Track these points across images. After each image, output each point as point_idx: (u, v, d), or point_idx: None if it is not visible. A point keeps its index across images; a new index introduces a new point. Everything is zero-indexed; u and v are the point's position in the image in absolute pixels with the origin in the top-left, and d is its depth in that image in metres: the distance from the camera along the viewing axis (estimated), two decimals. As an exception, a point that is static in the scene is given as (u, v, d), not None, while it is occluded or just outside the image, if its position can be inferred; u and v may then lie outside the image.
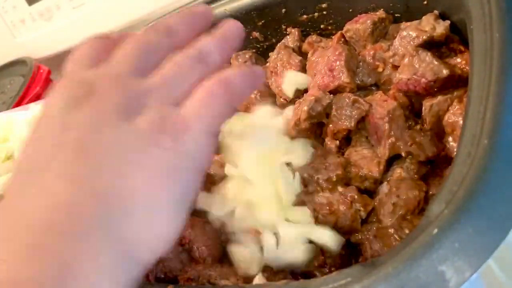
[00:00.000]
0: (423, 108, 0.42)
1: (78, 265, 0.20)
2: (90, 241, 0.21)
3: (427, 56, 0.41)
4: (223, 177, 0.43)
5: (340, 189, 0.42)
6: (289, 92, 0.49)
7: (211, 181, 0.45)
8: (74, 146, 0.23)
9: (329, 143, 0.46)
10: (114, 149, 0.23)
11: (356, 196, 0.41)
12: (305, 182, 0.44)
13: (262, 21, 0.56)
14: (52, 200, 0.21)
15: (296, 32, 0.55)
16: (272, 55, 0.54)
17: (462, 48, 0.43)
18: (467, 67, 0.41)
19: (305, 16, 0.54)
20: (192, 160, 0.25)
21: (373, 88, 0.48)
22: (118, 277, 0.22)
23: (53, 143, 0.23)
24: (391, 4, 0.49)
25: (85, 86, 0.25)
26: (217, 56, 0.29)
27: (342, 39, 0.50)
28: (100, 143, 0.23)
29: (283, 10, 0.55)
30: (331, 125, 0.45)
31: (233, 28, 0.30)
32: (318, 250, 0.41)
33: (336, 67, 0.46)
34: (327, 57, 0.47)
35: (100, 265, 0.21)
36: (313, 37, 0.54)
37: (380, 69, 0.47)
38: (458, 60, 0.42)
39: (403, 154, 0.41)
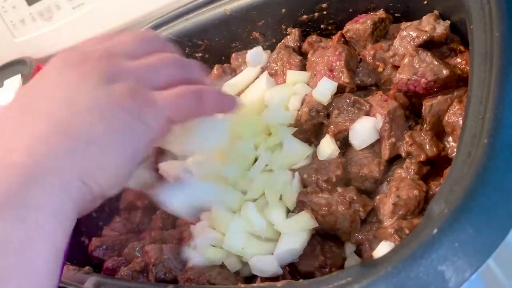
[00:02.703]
0: (423, 108, 0.42)
1: (44, 178, 0.27)
2: (58, 162, 0.28)
3: (427, 56, 0.41)
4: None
5: (339, 189, 0.42)
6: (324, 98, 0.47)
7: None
8: (59, 96, 0.30)
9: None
10: (89, 103, 0.29)
11: (355, 197, 0.41)
12: (304, 183, 0.44)
13: (262, 21, 0.56)
14: (34, 131, 0.29)
15: (296, 32, 0.55)
16: (272, 55, 0.55)
17: (462, 48, 0.43)
18: (467, 67, 0.41)
19: (305, 16, 0.54)
20: (147, 132, 0.31)
21: (373, 88, 0.48)
22: (72, 193, 0.28)
23: (42, 93, 0.30)
24: (391, 4, 0.49)
25: (80, 55, 0.32)
26: (198, 72, 0.36)
27: (342, 39, 0.50)
28: (80, 97, 0.30)
29: (283, 10, 0.55)
30: (331, 126, 0.45)
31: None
32: (318, 248, 0.41)
33: (336, 67, 0.46)
34: (327, 57, 0.47)
35: (60, 179, 0.28)
36: (313, 37, 0.54)
37: (380, 69, 0.47)
38: (458, 60, 0.42)
39: (403, 154, 0.41)
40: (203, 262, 0.43)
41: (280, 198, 0.44)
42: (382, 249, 0.37)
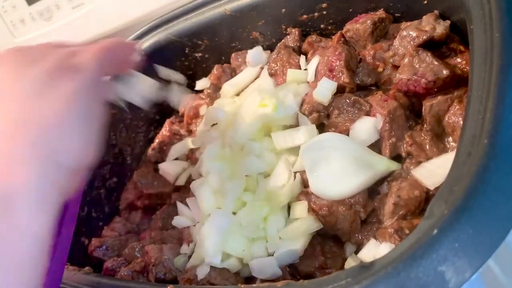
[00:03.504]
0: (423, 108, 0.41)
1: (20, 168, 0.29)
2: (28, 151, 0.29)
3: (427, 56, 0.41)
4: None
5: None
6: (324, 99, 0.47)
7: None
8: (6, 92, 0.32)
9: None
10: (31, 89, 0.32)
11: (356, 198, 0.41)
12: (305, 183, 0.44)
13: (262, 21, 0.56)
14: None
15: (296, 32, 0.55)
16: (272, 55, 0.54)
17: (462, 48, 0.43)
18: (467, 67, 0.40)
19: (305, 16, 0.54)
20: (90, 87, 0.33)
21: (373, 88, 0.48)
22: (49, 175, 0.30)
23: None
24: (391, 4, 0.48)
25: (29, 57, 0.35)
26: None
27: (342, 39, 0.50)
28: (22, 86, 0.32)
29: (283, 10, 0.54)
30: (332, 127, 0.45)
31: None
32: (318, 249, 0.41)
33: (336, 67, 0.46)
34: (327, 57, 0.47)
35: (35, 165, 0.29)
36: (313, 37, 0.54)
37: (380, 69, 0.47)
38: (458, 60, 0.42)
39: (403, 155, 0.41)
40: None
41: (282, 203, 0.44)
42: (382, 249, 0.37)
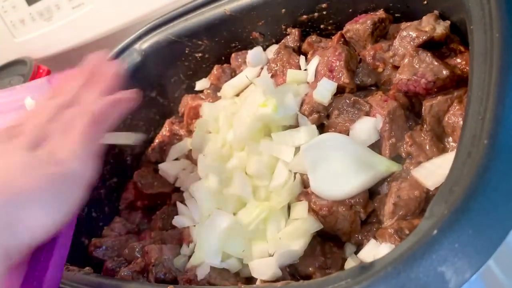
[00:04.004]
0: (423, 108, 0.41)
1: None
2: None
3: (427, 57, 0.41)
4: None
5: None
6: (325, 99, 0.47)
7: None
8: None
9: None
10: (15, 166, 0.34)
11: (356, 198, 0.41)
12: (305, 183, 0.44)
13: (262, 21, 0.56)
14: None
15: (296, 32, 0.55)
16: (272, 55, 0.54)
17: (462, 48, 0.43)
18: (467, 68, 0.40)
19: (305, 16, 0.54)
20: (71, 176, 0.34)
21: (373, 88, 0.48)
22: (7, 250, 0.29)
23: None
24: (391, 4, 0.48)
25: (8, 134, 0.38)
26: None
27: (342, 39, 0.50)
28: (11, 164, 0.34)
29: (283, 10, 0.54)
30: (332, 127, 0.45)
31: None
32: (318, 249, 0.41)
33: (336, 68, 0.46)
34: (327, 58, 0.47)
35: None
36: (313, 37, 0.54)
37: (380, 69, 0.47)
38: (458, 60, 0.42)
39: (403, 155, 0.41)
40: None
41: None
42: (382, 250, 0.37)
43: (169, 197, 0.57)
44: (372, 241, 0.39)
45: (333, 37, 0.51)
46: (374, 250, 0.38)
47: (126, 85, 0.45)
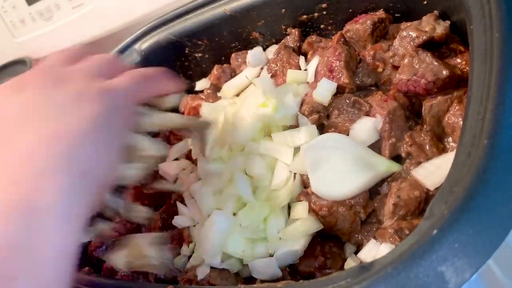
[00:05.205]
0: (423, 108, 0.41)
1: (49, 181, 0.28)
2: (59, 164, 0.29)
3: (427, 57, 0.41)
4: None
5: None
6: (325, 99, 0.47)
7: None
8: (44, 112, 0.32)
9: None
10: (57, 110, 0.32)
11: (356, 198, 0.41)
12: (305, 183, 0.44)
13: (262, 21, 0.56)
14: (22, 147, 0.30)
15: (296, 32, 0.55)
16: (272, 55, 0.54)
17: (462, 48, 0.43)
18: (467, 68, 0.40)
19: (305, 16, 0.54)
20: (116, 111, 0.34)
21: (373, 88, 0.48)
22: (77, 191, 0.30)
23: (26, 110, 0.32)
24: (391, 4, 0.48)
25: (55, 77, 0.35)
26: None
27: (342, 39, 0.50)
28: (48, 107, 0.32)
29: (283, 10, 0.54)
30: (332, 128, 0.45)
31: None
32: (318, 249, 0.41)
33: (336, 68, 0.46)
34: (327, 58, 0.47)
35: (63, 180, 0.29)
36: (313, 37, 0.54)
37: (380, 69, 0.47)
38: (458, 60, 0.42)
39: (403, 155, 0.41)
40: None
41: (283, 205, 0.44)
42: (382, 250, 0.37)
43: (169, 197, 0.57)
44: (372, 241, 0.39)
45: (333, 37, 0.51)
46: (374, 250, 0.38)
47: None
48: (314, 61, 0.48)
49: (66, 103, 0.33)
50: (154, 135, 0.65)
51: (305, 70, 0.50)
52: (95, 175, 0.31)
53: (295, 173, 0.44)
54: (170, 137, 0.62)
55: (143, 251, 0.42)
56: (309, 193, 0.42)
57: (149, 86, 0.39)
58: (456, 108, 0.39)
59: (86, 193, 0.30)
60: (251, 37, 0.59)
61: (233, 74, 0.60)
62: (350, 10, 0.51)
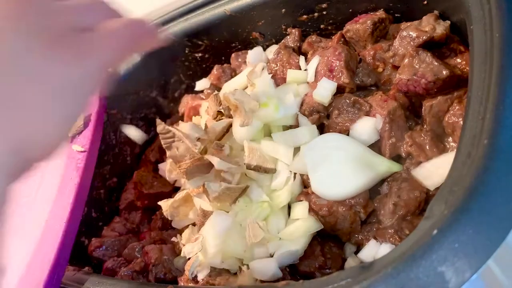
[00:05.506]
0: (423, 108, 0.41)
1: None
2: None
3: (427, 57, 0.41)
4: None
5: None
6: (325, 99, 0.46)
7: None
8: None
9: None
10: (11, 64, 0.26)
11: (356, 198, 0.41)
12: (305, 183, 0.44)
13: (262, 21, 0.56)
14: None
15: (296, 32, 0.55)
16: (272, 55, 0.54)
17: (462, 48, 0.43)
18: (467, 68, 0.40)
19: (305, 16, 0.54)
20: (89, 78, 0.28)
21: (373, 88, 0.48)
22: (8, 169, 0.26)
23: None
24: (391, 4, 0.48)
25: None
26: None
27: (342, 39, 0.50)
28: (14, 44, 0.26)
29: (283, 10, 0.54)
30: (332, 127, 0.45)
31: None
32: (318, 249, 0.41)
33: (336, 68, 0.46)
34: (327, 58, 0.47)
35: None
36: (313, 37, 0.54)
37: (380, 69, 0.47)
38: (458, 60, 0.42)
39: (403, 155, 0.41)
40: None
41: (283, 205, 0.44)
42: (382, 249, 0.37)
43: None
44: (372, 241, 0.39)
45: (333, 37, 0.51)
46: (374, 250, 0.38)
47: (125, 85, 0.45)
48: (314, 61, 0.48)
49: (36, 63, 0.27)
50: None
51: (305, 70, 0.50)
52: (27, 148, 0.27)
53: (295, 173, 0.44)
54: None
55: None
56: (309, 193, 0.42)
57: (132, 49, 0.34)
58: (456, 108, 0.39)
59: (13, 166, 0.26)
60: (251, 37, 0.59)
61: (233, 74, 0.60)
62: (350, 10, 0.51)
